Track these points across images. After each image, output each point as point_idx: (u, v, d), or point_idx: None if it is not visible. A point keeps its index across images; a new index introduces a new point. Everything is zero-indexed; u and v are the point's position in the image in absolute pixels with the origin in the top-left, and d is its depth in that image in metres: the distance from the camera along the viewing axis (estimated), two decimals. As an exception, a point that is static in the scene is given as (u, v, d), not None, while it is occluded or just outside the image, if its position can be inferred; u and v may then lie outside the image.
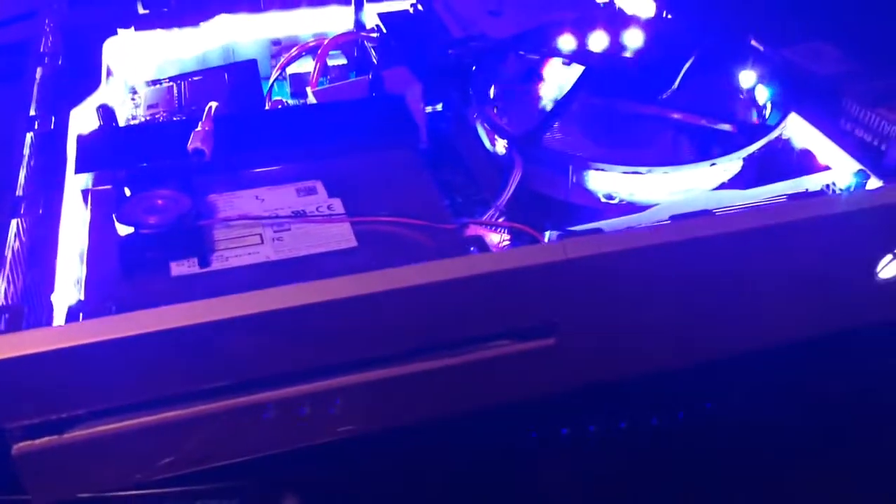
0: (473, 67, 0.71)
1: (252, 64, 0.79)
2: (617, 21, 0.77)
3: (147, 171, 0.60)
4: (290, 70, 0.82)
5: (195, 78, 0.76)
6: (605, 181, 0.61)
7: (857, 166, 0.62)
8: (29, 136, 0.60)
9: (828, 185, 0.62)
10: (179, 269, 0.54)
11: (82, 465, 0.47)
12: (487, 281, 0.48)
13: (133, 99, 0.74)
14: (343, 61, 0.85)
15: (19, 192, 0.55)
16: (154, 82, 0.77)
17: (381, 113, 0.70)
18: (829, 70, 0.92)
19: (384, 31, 0.82)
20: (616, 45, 0.75)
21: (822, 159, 0.65)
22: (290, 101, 0.78)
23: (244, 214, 0.58)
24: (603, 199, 0.61)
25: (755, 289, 0.56)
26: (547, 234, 0.55)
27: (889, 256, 0.58)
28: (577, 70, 0.71)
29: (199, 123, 0.62)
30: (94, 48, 0.77)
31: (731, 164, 0.61)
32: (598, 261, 0.50)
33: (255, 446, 0.51)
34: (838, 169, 0.63)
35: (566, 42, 0.75)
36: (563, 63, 0.73)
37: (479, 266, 0.48)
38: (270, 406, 0.49)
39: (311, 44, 0.81)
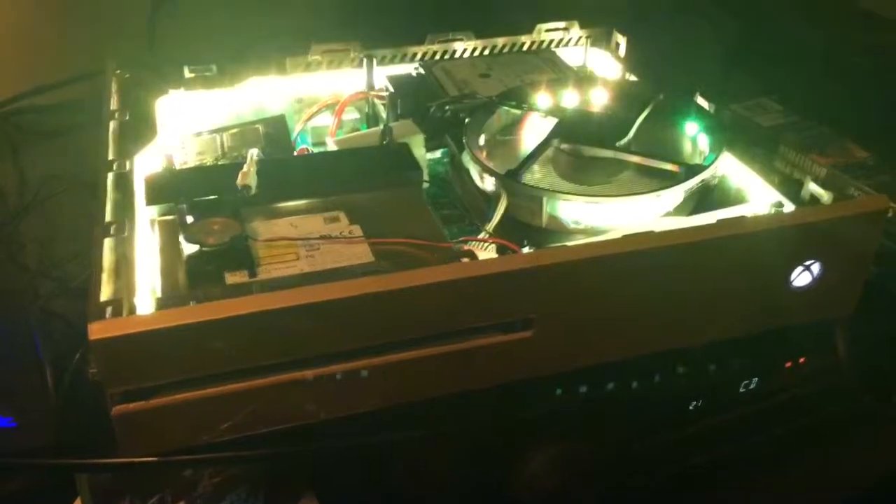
0: (466, 120, 0.86)
1: (281, 118, 0.94)
2: (585, 81, 0.93)
3: (204, 204, 0.75)
4: (312, 123, 0.97)
5: (234, 130, 0.91)
6: (571, 210, 0.75)
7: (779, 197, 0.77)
8: (109, 175, 0.75)
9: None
10: (233, 278, 0.68)
11: (163, 426, 0.60)
12: (477, 282, 0.62)
13: (183, 147, 0.89)
14: (356, 115, 1.00)
15: (109, 217, 0.69)
16: (197, 134, 0.92)
17: (391, 157, 0.85)
18: (771, 122, 1.09)
19: (391, 90, 0.97)
20: (583, 101, 0.90)
21: (752, 193, 0.80)
22: (313, 149, 0.93)
23: (283, 236, 0.73)
24: (571, 226, 0.76)
25: (689, 293, 0.70)
26: (525, 249, 0.70)
27: (800, 268, 0.72)
28: (551, 122, 0.86)
29: (245, 165, 0.77)
30: (150, 105, 0.92)
31: (673, 196, 0.75)
32: (565, 267, 0.64)
33: (297, 415, 0.65)
34: (762, 200, 0.78)
35: (543, 99, 0.90)
36: (540, 116, 0.88)
37: (472, 270, 0.63)
38: (310, 379, 0.62)
39: (329, 102, 0.97)
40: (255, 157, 0.79)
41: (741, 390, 0.77)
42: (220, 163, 0.86)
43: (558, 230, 0.76)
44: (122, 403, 0.58)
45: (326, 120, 0.97)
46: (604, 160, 0.82)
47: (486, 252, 0.74)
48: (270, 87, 1.01)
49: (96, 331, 0.55)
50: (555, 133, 0.83)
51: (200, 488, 0.69)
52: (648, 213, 0.75)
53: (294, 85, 1.02)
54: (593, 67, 1.10)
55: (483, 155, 0.82)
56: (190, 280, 0.68)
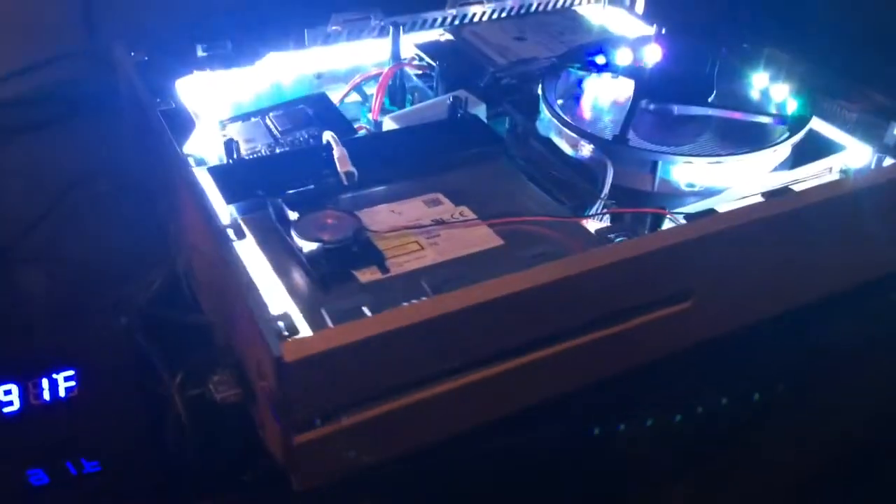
0: (540, 87, 0.81)
1: (323, 96, 0.85)
2: (640, 40, 0.89)
3: (300, 196, 0.66)
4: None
5: (277, 112, 0.82)
6: (686, 172, 0.72)
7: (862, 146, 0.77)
8: (189, 171, 0.65)
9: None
10: (365, 276, 0.61)
11: (343, 448, 0.53)
12: (654, 256, 0.58)
13: (224, 134, 0.79)
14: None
15: (225, 220, 0.60)
16: (233, 119, 0.82)
17: (467, 131, 0.79)
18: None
19: (427, 59, 0.90)
20: (647, 60, 0.86)
21: (837, 141, 0.79)
22: (369, 127, 0.84)
23: (403, 226, 0.66)
24: (684, 188, 0.73)
25: (821, 247, 0.69)
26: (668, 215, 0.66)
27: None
28: (624, 82, 0.83)
29: (335, 150, 0.69)
30: (170, 89, 0.81)
31: (784, 149, 0.73)
32: (721, 235, 0.61)
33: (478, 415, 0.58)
34: (851, 149, 0.78)
35: (609, 58, 0.86)
36: (612, 76, 0.84)
37: (645, 246, 0.58)
38: (492, 379, 0.56)
39: (369, 74, 0.89)
40: (338, 141, 0.71)
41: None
42: (277, 150, 0.77)
43: (669, 193, 0.73)
44: (306, 430, 0.51)
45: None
46: (685, 118, 0.79)
47: (602, 223, 0.70)
48: (288, 63, 0.91)
49: (291, 351, 0.47)
50: (640, 93, 0.79)
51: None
52: (760, 169, 0.73)
53: (312, 60, 0.93)
54: (613, 26, 1.06)
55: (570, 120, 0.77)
56: (322, 283, 0.59)
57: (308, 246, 0.61)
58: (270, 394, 0.51)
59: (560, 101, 0.81)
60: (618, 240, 0.64)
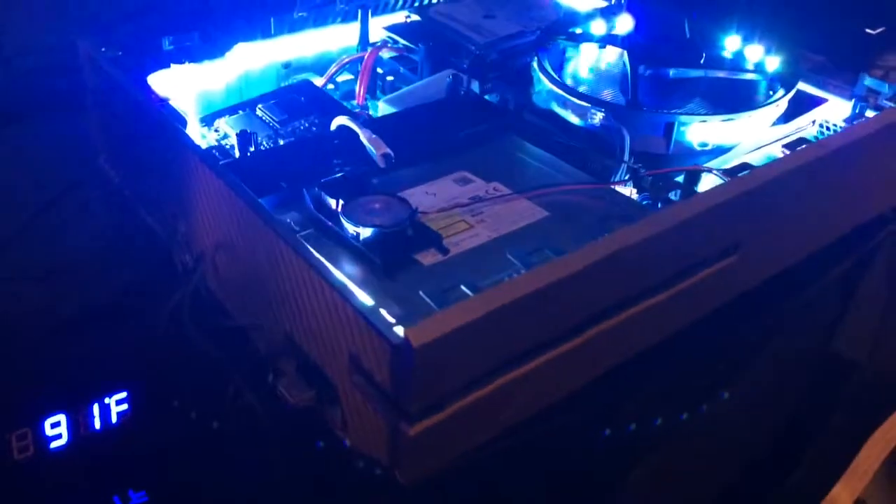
0: (536, 60, 0.80)
1: (309, 83, 0.81)
2: (615, 9, 0.90)
3: (337, 183, 0.62)
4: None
5: (267, 102, 0.77)
6: (700, 132, 0.73)
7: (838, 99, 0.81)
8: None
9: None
10: (426, 259, 0.58)
11: (453, 433, 0.50)
12: (711, 213, 0.59)
13: (217, 130, 0.74)
14: (350, 76, 0.90)
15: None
16: (219, 113, 0.76)
17: (471, 109, 0.77)
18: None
19: (404, 42, 0.88)
20: (628, 28, 0.87)
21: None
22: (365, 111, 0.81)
23: (448, 205, 0.63)
24: (697, 148, 0.74)
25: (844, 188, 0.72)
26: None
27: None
28: (613, 51, 0.83)
29: (361, 134, 0.66)
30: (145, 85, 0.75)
31: (783, 104, 0.76)
32: (767, 186, 0.62)
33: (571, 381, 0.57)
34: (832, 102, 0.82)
35: (593, 29, 0.86)
36: (598, 46, 0.84)
37: (707, 202, 0.59)
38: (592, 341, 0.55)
39: (347, 59, 0.85)
40: (360, 124, 0.67)
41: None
42: (281, 141, 0.72)
43: (682, 154, 0.74)
44: (421, 419, 0.48)
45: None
46: (677, 82, 0.81)
47: (626, 189, 0.70)
48: (256, 53, 0.86)
49: (417, 336, 0.44)
50: (636, 59, 0.79)
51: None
52: (764, 124, 0.76)
53: (279, 50, 0.88)
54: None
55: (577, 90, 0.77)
56: (385, 268, 0.56)
57: (364, 232, 0.58)
58: (376, 387, 0.48)
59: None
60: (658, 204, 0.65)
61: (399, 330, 0.45)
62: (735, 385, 0.68)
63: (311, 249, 0.52)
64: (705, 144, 0.74)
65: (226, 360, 0.57)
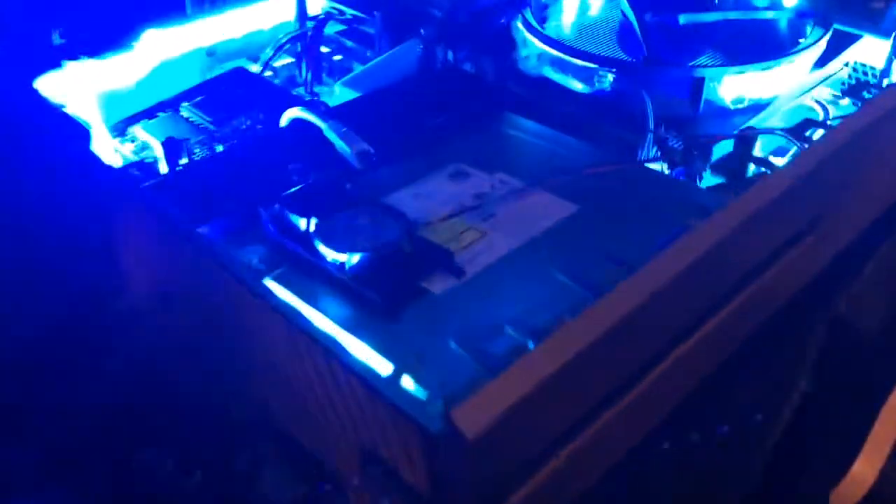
0: (520, 19, 0.66)
1: (243, 70, 0.65)
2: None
3: (306, 195, 0.47)
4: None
5: (194, 100, 0.61)
6: (736, 86, 0.60)
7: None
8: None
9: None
10: (437, 285, 0.44)
11: None
12: (800, 189, 0.46)
13: (131, 139, 0.58)
14: (290, 59, 0.74)
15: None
16: (132, 119, 0.60)
17: (454, 83, 0.63)
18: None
19: (353, 12, 0.73)
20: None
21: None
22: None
23: (448, 211, 0.49)
24: (731, 106, 0.61)
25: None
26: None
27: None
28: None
29: (326, 127, 0.50)
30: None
31: (822, 45, 0.64)
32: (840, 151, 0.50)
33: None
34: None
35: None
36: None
37: (794, 173, 0.46)
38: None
39: (284, 40, 0.69)
40: (322, 115, 0.52)
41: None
42: (218, 147, 0.56)
43: (713, 115, 0.61)
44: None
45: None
46: (688, 30, 0.67)
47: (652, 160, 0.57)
48: (171, 39, 0.70)
49: (470, 420, 0.30)
50: (639, 5, 0.66)
51: None
52: (803, 71, 0.63)
53: (199, 34, 0.72)
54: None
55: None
56: (386, 305, 0.42)
57: (350, 259, 0.43)
58: (401, 483, 0.34)
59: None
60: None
61: (436, 407, 0.31)
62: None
63: (290, 296, 0.37)
64: (741, 101, 0.61)
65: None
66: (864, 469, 0.60)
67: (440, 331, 0.40)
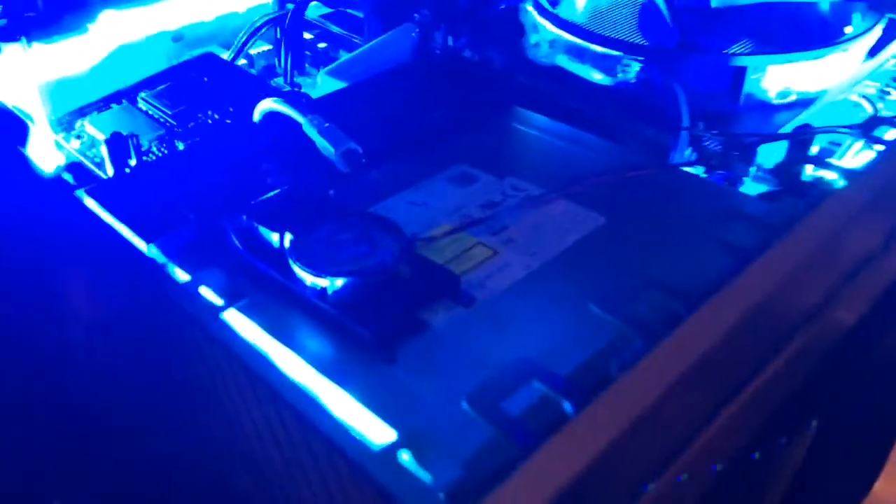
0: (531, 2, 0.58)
1: (212, 56, 0.57)
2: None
3: (274, 204, 0.39)
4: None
5: (153, 90, 0.52)
6: (782, 78, 0.52)
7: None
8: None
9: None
10: (440, 317, 0.35)
11: None
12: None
13: (78, 135, 0.49)
14: (268, 47, 0.66)
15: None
16: (83, 111, 0.52)
17: (455, 72, 0.55)
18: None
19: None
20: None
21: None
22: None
23: (460, 222, 0.40)
24: (775, 100, 0.53)
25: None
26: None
27: None
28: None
29: (307, 123, 0.42)
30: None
31: (878, 30, 0.56)
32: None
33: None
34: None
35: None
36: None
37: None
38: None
39: (260, 24, 0.61)
40: (301, 108, 0.44)
41: None
42: (179, 144, 0.48)
43: (754, 110, 0.53)
44: None
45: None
46: (719, 13, 0.60)
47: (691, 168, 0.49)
48: (132, 22, 0.61)
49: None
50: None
51: None
52: (856, 61, 0.55)
53: (164, 16, 0.64)
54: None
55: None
56: (379, 344, 0.33)
57: (333, 284, 0.35)
58: None
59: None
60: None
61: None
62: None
63: (256, 331, 0.29)
64: (787, 94, 0.53)
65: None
66: (886, 489, 0.60)
67: (444, 379, 0.32)
